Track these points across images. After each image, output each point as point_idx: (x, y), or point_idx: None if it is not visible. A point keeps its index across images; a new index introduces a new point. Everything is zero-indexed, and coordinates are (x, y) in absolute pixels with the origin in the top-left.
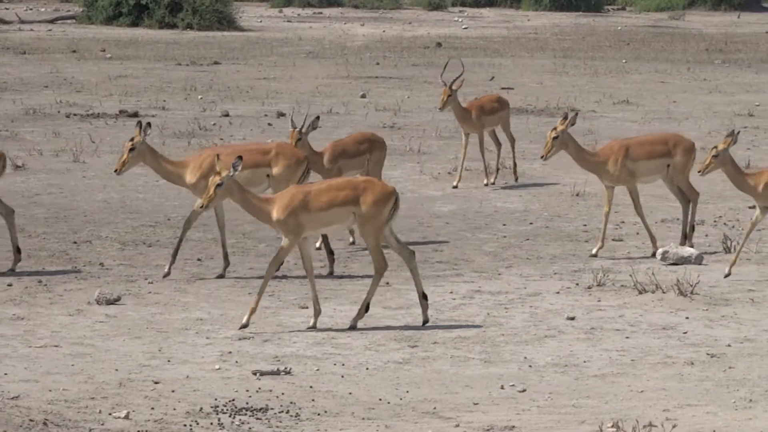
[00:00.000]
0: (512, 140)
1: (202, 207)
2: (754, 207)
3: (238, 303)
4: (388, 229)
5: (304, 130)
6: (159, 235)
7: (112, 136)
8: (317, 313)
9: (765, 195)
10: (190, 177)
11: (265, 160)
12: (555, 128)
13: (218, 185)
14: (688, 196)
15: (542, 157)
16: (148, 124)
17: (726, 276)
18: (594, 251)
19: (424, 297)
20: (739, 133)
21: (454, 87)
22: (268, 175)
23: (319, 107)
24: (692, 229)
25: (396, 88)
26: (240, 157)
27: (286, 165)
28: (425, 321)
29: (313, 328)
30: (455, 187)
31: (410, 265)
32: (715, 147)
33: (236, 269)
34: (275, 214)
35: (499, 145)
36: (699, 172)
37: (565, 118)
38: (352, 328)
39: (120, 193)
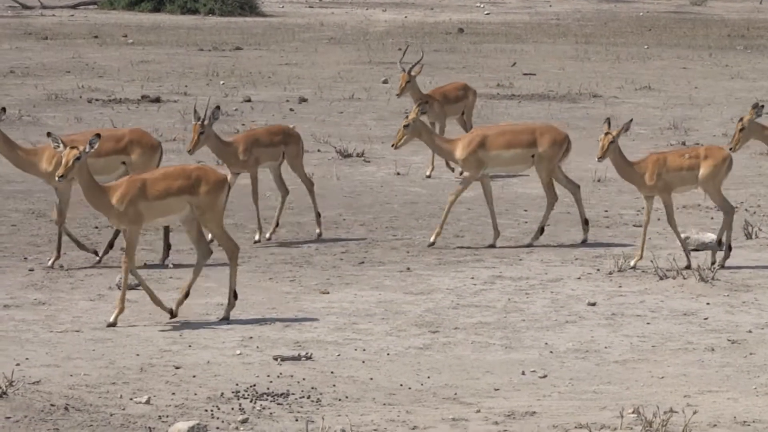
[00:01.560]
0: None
1: (60, 177)
2: None
3: (259, 288)
4: (196, 222)
5: (206, 122)
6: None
7: (134, 122)
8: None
9: (653, 185)
10: (45, 165)
11: (119, 147)
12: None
13: (77, 158)
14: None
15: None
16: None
17: (632, 268)
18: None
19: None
20: (763, 106)
21: (413, 73)
22: (123, 163)
23: (341, 92)
24: (586, 222)
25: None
26: (98, 135)
27: (141, 152)
28: (225, 318)
29: (113, 325)
30: (428, 176)
31: (202, 262)
32: (741, 119)
33: (257, 254)
34: (114, 205)
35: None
36: (730, 149)
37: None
38: (225, 319)
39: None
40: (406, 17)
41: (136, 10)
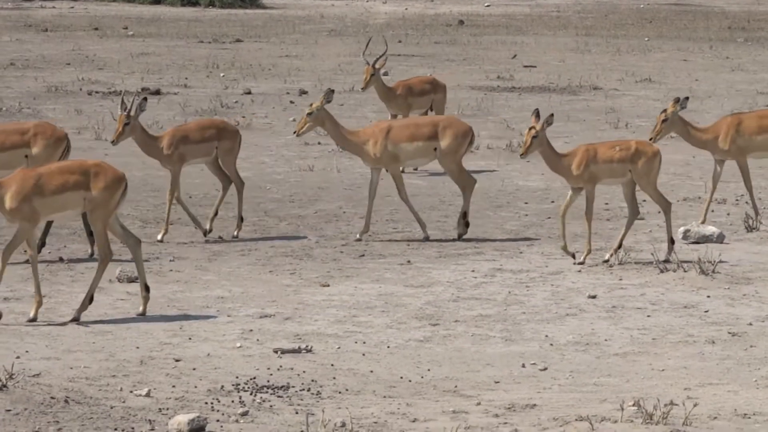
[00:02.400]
0: None
1: None
2: None
3: (259, 281)
4: (113, 216)
5: (132, 114)
6: (180, 213)
7: None
8: (38, 304)
9: (580, 176)
10: None
11: (23, 141)
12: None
13: None
14: (464, 185)
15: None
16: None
17: (578, 263)
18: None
19: (146, 289)
20: (687, 99)
21: (377, 66)
22: (26, 156)
23: (341, 84)
24: (464, 215)
25: (418, 65)
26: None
27: (44, 145)
28: (142, 313)
29: (33, 320)
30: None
31: (135, 255)
32: (665, 111)
33: (257, 247)
34: (8, 202)
35: None
36: (651, 139)
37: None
38: (75, 320)
39: (142, 171)
40: (406, 9)
41: (136, 2)
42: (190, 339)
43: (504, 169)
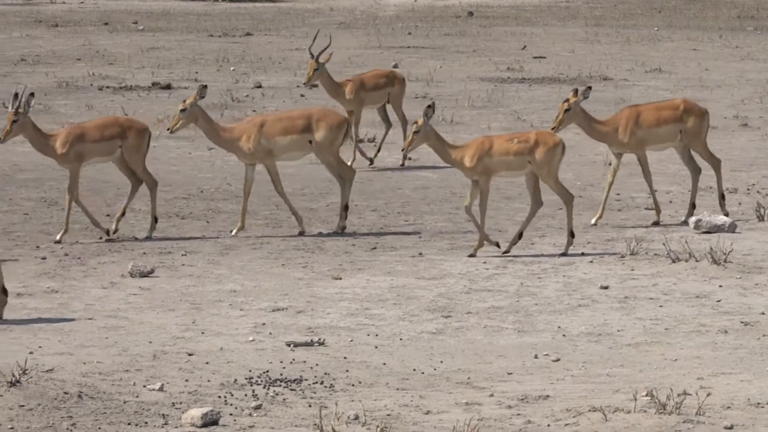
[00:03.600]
0: (404, 121)
1: None
2: None
3: (272, 275)
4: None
5: (21, 110)
6: (192, 207)
7: (144, 109)
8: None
9: (473, 168)
10: None
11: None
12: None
13: None
14: (343, 176)
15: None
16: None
17: (503, 250)
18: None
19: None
20: (590, 88)
21: (321, 59)
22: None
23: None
24: (345, 207)
25: (428, 57)
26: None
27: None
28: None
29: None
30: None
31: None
32: (567, 101)
33: (269, 241)
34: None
35: (388, 124)
36: (553, 128)
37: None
38: None
39: (153, 166)
40: (415, 1)
41: None
42: (202, 333)
43: None
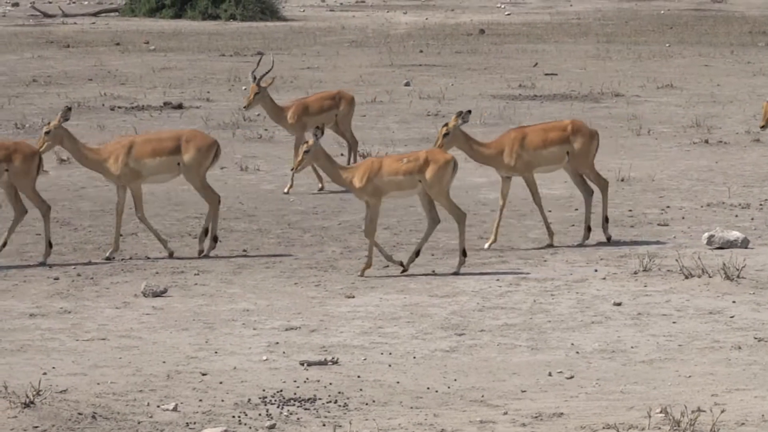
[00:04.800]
0: (353, 142)
1: None
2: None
3: (284, 294)
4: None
5: None
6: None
7: (156, 128)
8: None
9: (363, 190)
10: None
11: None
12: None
13: None
14: (208, 201)
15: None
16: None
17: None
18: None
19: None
20: (470, 112)
21: (263, 84)
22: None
23: (363, 96)
24: (205, 231)
25: (440, 75)
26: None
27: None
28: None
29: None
30: (286, 193)
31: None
32: (446, 125)
33: (281, 259)
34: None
35: (354, 142)
36: (437, 145)
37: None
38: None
39: (165, 186)
40: (426, 19)
41: (157, 17)
42: (216, 352)
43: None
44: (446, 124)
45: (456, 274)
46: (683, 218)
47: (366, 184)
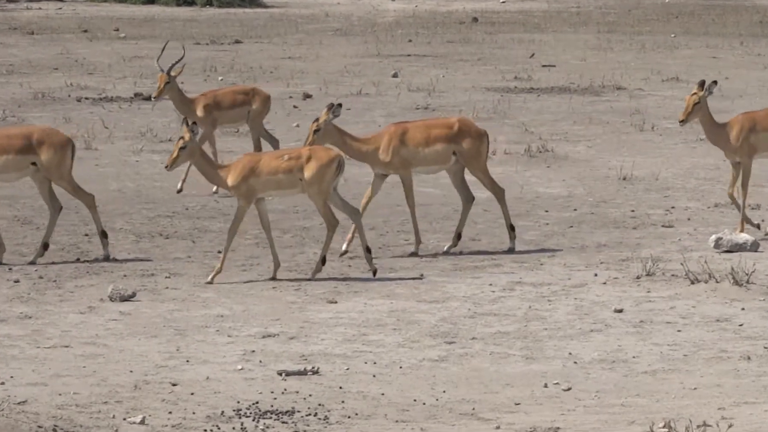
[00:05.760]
0: (257, 143)
1: None
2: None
3: (262, 298)
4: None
5: None
6: (176, 226)
7: (126, 121)
8: None
9: (237, 189)
10: None
11: None
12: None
13: None
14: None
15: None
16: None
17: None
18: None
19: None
20: (341, 105)
21: (172, 73)
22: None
23: (348, 88)
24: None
25: (430, 66)
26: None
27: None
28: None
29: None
30: (179, 191)
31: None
32: (316, 120)
33: (260, 262)
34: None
35: (273, 141)
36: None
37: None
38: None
39: (135, 182)
40: (416, 6)
41: (128, 2)
42: (187, 361)
43: (523, 176)
44: (316, 119)
45: (310, 279)
46: (689, 219)
47: (240, 182)
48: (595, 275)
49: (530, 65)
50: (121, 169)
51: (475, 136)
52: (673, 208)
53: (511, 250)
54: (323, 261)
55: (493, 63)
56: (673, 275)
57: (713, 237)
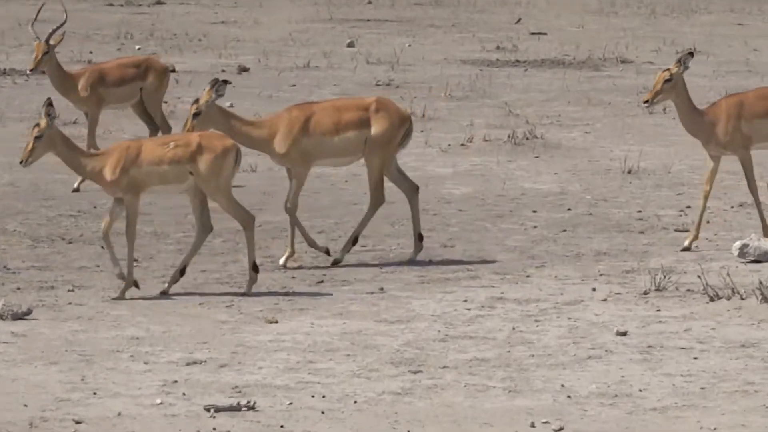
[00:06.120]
0: (154, 127)
1: None
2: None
3: (186, 317)
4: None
5: None
6: (82, 228)
7: (22, 99)
8: None
9: (116, 184)
10: None
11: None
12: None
13: None
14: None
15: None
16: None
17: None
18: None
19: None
20: (225, 82)
21: (51, 41)
22: None
23: (292, 60)
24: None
25: (394, 33)
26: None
27: None
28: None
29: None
30: (75, 189)
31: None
32: (196, 101)
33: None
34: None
35: (152, 127)
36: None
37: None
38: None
39: (31, 174)
40: None
41: None
42: (94, 394)
43: (505, 168)
44: (196, 100)
45: (245, 295)
46: (708, 222)
47: (121, 176)
48: (594, 290)
49: (516, 33)
50: (14, 158)
51: (394, 120)
52: (688, 207)
53: (330, 258)
54: (255, 268)
55: (470, 30)
56: (688, 290)
57: (737, 244)
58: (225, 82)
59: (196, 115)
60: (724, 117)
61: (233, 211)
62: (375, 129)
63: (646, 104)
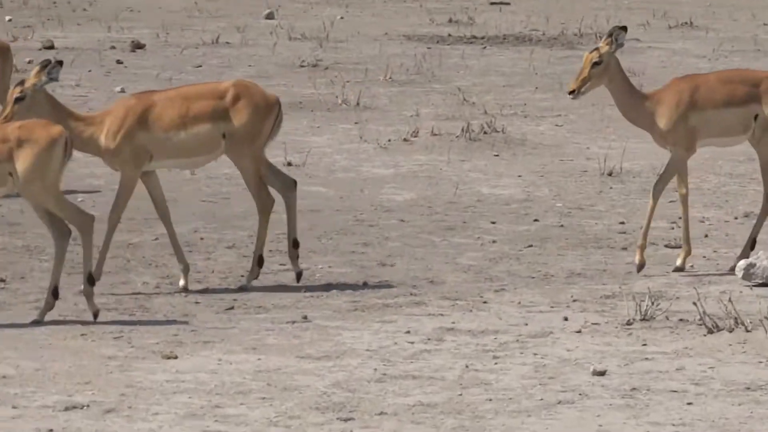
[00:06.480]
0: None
1: None
2: None
3: (65, 350)
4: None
5: None
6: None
7: None
8: None
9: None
10: None
11: None
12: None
13: None
14: None
15: None
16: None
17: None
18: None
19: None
20: (61, 63)
21: None
22: None
23: (198, 35)
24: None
25: (322, 3)
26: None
27: None
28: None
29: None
30: None
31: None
32: (20, 83)
33: (62, 294)
34: None
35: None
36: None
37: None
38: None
39: None
40: None
41: None
42: None
43: (458, 168)
44: (20, 83)
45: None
46: (706, 236)
47: None
48: (565, 319)
49: (473, 1)
50: None
51: (259, 107)
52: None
53: (243, 288)
54: (90, 281)
55: None
56: (681, 320)
57: (742, 263)
58: (59, 63)
59: (19, 99)
60: (671, 102)
61: (67, 213)
62: (236, 121)
63: (571, 95)
